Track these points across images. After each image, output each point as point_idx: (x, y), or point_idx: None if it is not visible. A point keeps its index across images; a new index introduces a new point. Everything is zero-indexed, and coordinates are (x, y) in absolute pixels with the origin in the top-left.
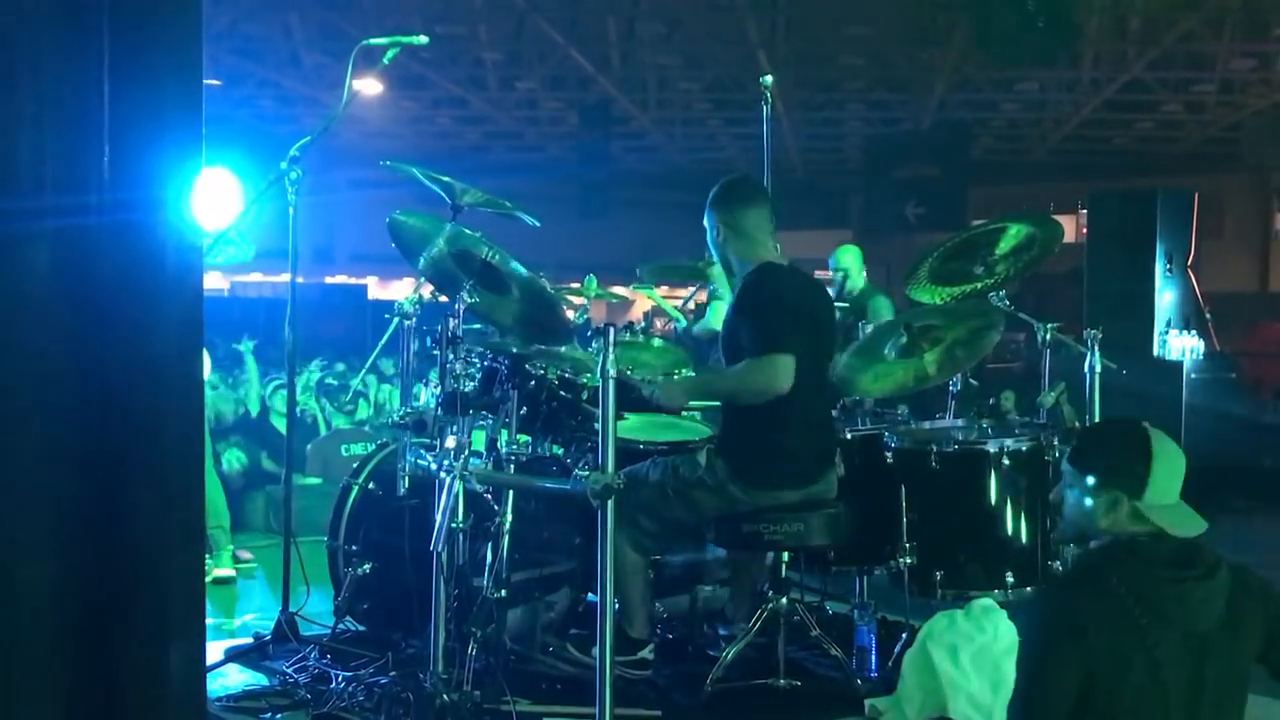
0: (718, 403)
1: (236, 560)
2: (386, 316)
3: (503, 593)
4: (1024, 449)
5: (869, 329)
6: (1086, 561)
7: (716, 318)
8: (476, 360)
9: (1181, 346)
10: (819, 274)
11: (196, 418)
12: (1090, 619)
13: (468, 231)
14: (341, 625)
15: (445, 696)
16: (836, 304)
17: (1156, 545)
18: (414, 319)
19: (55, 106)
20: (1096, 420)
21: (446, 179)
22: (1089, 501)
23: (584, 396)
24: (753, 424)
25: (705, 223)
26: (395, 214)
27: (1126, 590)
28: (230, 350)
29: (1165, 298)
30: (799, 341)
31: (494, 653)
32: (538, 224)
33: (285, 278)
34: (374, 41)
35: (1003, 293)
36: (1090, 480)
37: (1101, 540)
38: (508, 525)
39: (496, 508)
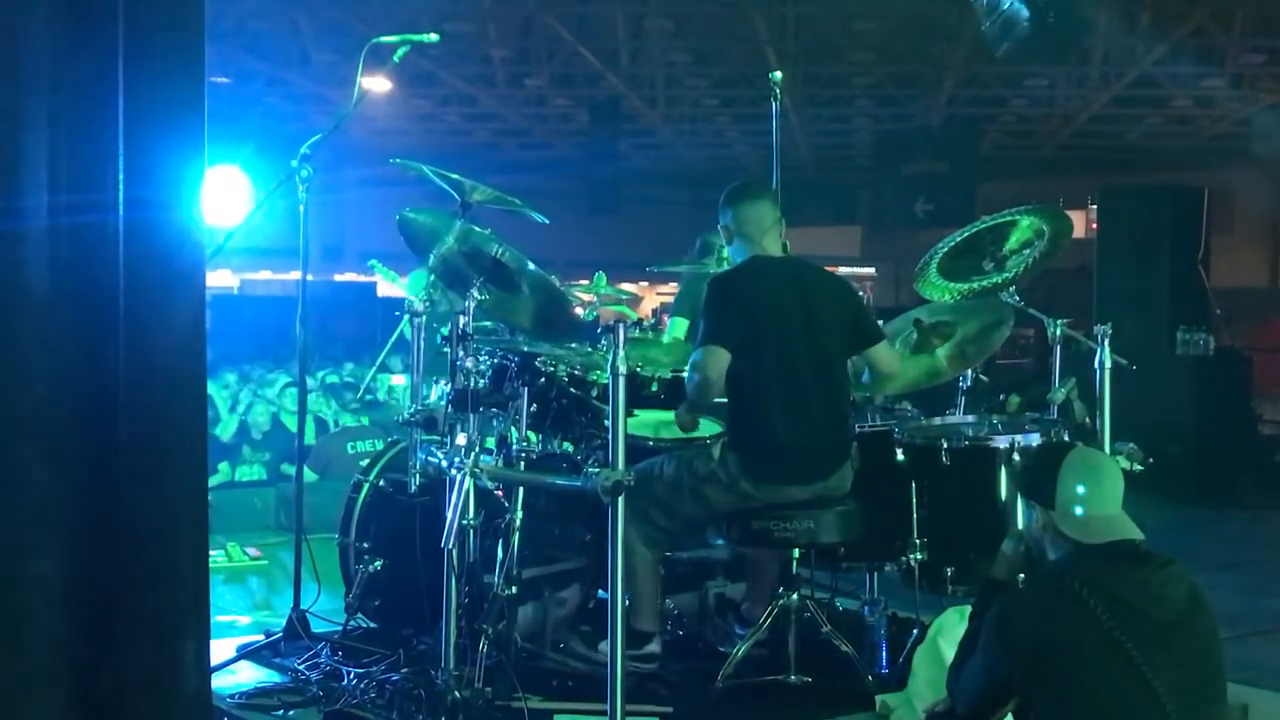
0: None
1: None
2: (396, 314)
3: (514, 589)
4: (1035, 445)
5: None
6: (1044, 569)
7: None
8: (486, 358)
9: (1191, 342)
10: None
11: (201, 416)
12: (1044, 618)
13: (477, 229)
14: (353, 622)
15: (457, 693)
16: None
17: (1096, 547)
18: (424, 317)
19: (70, 104)
20: (1105, 416)
21: (456, 176)
22: (1030, 520)
23: (594, 393)
24: (755, 419)
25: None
26: (405, 211)
27: (1080, 584)
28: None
29: (1175, 293)
30: (735, 334)
31: (505, 649)
32: (547, 221)
33: (295, 275)
34: (384, 40)
35: (1013, 288)
36: (1022, 500)
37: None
38: (518, 522)
39: (507, 505)
